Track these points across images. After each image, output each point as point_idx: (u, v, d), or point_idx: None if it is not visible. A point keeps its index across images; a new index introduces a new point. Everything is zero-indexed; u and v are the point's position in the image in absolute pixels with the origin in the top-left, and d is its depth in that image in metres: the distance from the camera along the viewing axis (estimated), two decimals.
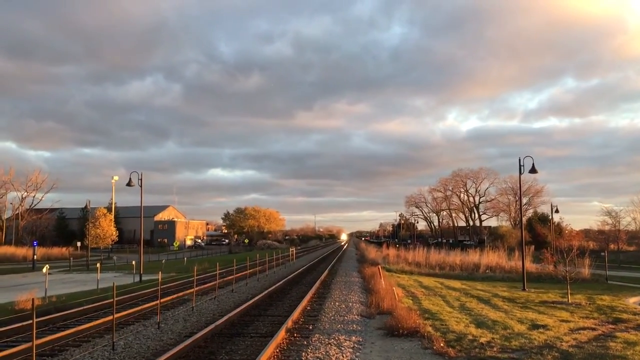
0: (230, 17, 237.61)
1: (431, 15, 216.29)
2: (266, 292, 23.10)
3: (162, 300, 17.27)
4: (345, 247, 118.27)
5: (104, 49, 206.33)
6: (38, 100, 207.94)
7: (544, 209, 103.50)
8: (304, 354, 11.32)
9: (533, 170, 28.86)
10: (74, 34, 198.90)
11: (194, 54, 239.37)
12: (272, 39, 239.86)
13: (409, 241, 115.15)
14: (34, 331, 9.00)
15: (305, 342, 12.64)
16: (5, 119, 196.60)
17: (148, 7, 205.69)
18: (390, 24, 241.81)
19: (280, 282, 28.04)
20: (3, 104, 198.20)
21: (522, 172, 28.93)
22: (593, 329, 14.93)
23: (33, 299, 9.27)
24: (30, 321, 9.29)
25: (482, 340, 12.84)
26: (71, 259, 54.33)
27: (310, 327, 14.74)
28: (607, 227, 77.70)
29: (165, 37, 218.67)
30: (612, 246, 70.67)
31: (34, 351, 8.92)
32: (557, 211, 61.67)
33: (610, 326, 15.65)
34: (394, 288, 22.58)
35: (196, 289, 20.77)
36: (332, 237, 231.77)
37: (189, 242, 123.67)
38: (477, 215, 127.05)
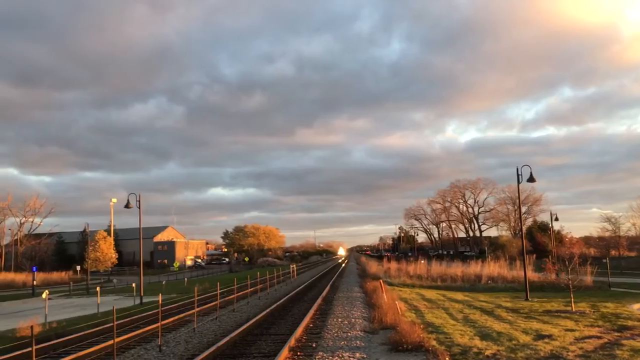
0: (232, 40, 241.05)
1: (429, 31, 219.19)
2: (268, 310, 22.93)
3: (163, 322, 17.12)
4: (343, 264, 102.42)
5: (109, 74, 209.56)
6: (41, 125, 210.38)
7: (544, 217, 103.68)
8: None
9: (531, 179, 28.86)
10: (79, 60, 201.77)
11: (196, 76, 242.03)
12: (273, 59, 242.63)
13: (409, 254, 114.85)
14: (34, 359, 8.89)
15: None
16: (8, 145, 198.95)
17: (152, 33, 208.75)
18: (390, 41, 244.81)
19: (282, 300, 27.85)
20: (6, 131, 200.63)
21: (520, 181, 28.95)
22: (599, 338, 14.80)
23: (32, 327, 9.18)
24: (31, 348, 9.18)
25: (488, 352, 12.71)
26: (71, 283, 54.02)
27: (314, 345, 14.59)
28: (607, 234, 77.77)
29: (168, 61, 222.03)
30: (613, 252, 70.63)
31: None
32: (556, 219, 61.57)
33: (616, 334, 15.52)
34: (396, 302, 22.44)
35: (197, 309, 20.60)
36: (328, 252, 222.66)
37: (189, 262, 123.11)
38: (476, 225, 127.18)
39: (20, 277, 68.15)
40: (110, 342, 13.16)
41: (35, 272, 56.14)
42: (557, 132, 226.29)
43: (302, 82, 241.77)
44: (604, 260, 42.91)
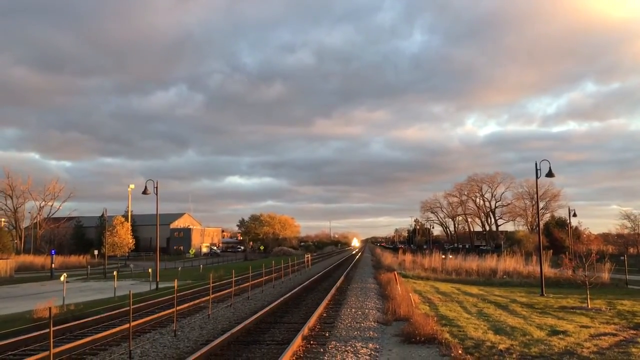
0: (254, 29, 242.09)
1: (452, 23, 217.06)
2: (282, 299, 23.05)
3: (178, 307, 17.30)
4: (357, 255, 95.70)
5: (131, 62, 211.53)
6: (63, 111, 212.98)
7: (561, 213, 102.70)
8: None
9: (550, 174, 28.54)
10: (102, 47, 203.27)
11: (217, 65, 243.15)
12: (294, 49, 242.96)
13: (424, 247, 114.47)
14: (52, 340, 9.04)
15: (321, 350, 12.56)
16: (30, 130, 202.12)
17: (174, 21, 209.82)
18: (412, 32, 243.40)
19: (296, 289, 27.98)
20: (29, 116, 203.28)
21: (539, 175, 28.63)
22: (614, 335, 14.67)
23: (50, 308, 9.32)
24: (48, 329, 9.33)
25: (501, 346, 12.67)
26: (88, 267, 54.73)
27: (327, 334, 14.66)
28: (626, 231, 76.62)
29: (189, 49, 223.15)
30: (631, 250, 69.68)
31: None
32: (574, 215, 61.01)
33: (632, 332, 15.37)
34: (410, 294, 22.42)
35: (212, 296, 20.78)
36: (342, 243, 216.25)
37: (204, 250, 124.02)
38: (493, 220, 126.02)
39: (39, 259, 69.17)
40: (126, 325, 13.34)
41: (54, 255, 57.03)
42: (578, 128, 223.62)
43: (322, 73, 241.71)
44: (622, 258, 42.40)
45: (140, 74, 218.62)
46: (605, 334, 14.78)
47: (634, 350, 12.34)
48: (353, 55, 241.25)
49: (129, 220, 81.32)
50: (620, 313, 19.80)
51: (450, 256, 56.88)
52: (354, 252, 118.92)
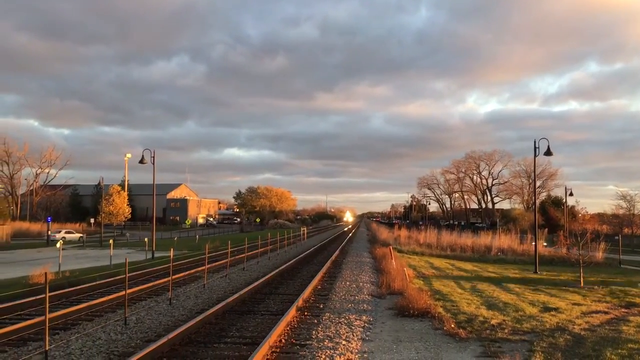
0: (258, 1, 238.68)
1: None
2: (277, 270, 23.17)
3: (173, 277, 17.37)
4: (350, 232, 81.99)
5: (133, 31, 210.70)
6: (64, 79, 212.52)
7: (558, 192, 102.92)
8: (314, 332, 11.33)
9: (548, 153, 28.48)
10: (105, 15, 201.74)
11: (220, 36, 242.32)
12: (298, 22, 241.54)
13: (420, 223, 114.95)
14: (47, 305, 9.07)
15: (315, 321, 12.65)
16: (30, 97, 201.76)
17: None
18: (418, 7, 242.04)
19: (292, 261, 28.11)
20: (29, 83, 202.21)
21: (537, 154, 28.59)
22: (605, 313, 14.80)
23: (46, 273, 9.34)
24: (44, 295, 9.35)
25: (493, 322, 12.77)
26: (84, 235, 54.88)
27: (321, 306, 14.75)
28: (621, 211, 76.98)
29: (193, 20, 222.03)
30: (626, 230, 70.10)
31: (47, 324, 8.99)
32: (571, 194, 61.15)
33: (623, 310, 15.51)
34: (404, 269, 22.55)
35: (207, 266, 20.87)
36: (335, 217, 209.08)
37: (200, 220, 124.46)
38: (489, 197, 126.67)
39: (35, 226, 69.39)
40: (122, 293, 13.41)
41: (50, 223, 57.12)
42: (579, 107, 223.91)
43: (326, 47, 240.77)
44: (616, 238, 42.69)
45: (142, 43, 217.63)
46: (596, 312, 14.91)
47: (624, 328, 12.46)
48: (357, 29, 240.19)
49: (126, 189, 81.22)
50: (612, 292, 19.97)
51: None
52: (345, 229, 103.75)
